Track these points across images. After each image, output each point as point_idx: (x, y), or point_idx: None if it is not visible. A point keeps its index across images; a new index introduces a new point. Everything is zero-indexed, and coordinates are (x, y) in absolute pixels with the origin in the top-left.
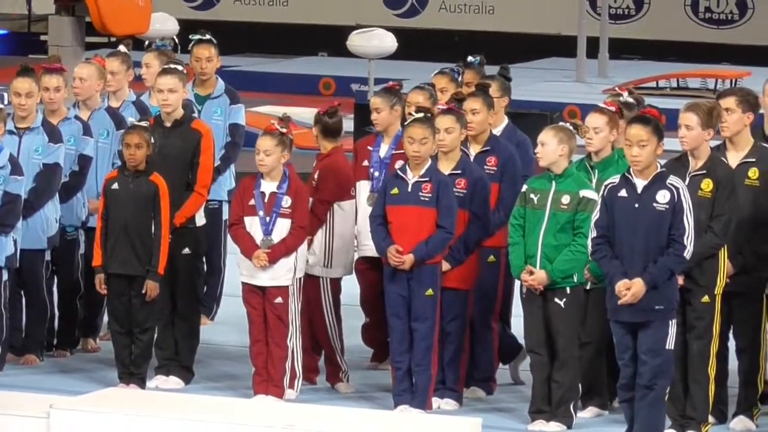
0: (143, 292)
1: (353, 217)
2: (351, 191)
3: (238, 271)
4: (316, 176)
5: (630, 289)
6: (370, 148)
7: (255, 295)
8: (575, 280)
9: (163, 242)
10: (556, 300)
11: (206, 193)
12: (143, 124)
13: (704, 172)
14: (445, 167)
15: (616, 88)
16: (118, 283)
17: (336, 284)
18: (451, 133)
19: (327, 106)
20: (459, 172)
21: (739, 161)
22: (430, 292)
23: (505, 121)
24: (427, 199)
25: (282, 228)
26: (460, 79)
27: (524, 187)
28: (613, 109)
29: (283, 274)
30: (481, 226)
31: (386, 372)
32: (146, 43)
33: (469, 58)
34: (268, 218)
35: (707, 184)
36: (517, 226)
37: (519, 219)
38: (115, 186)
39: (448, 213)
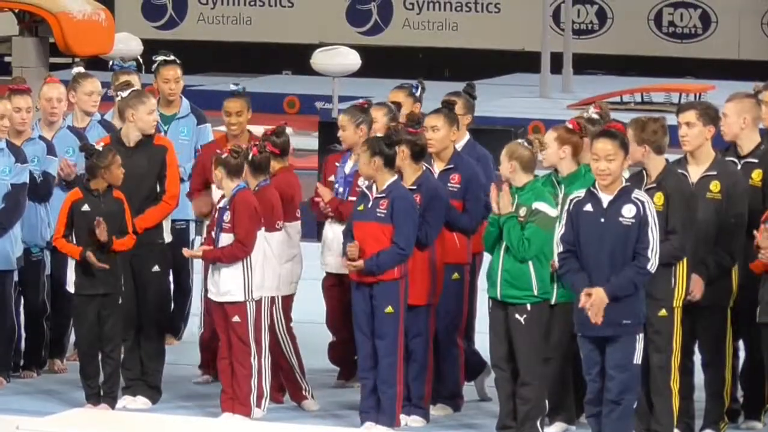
0: (119, 302)
1: (297, 240)
2: (296, 213)
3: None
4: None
5: (591, 294)
6: (337, 164)
7: (217, 312)
8: (536, 294)
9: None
10: (517, 316)
11: (174, 203)
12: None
13: (655, 185)
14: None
15: (591, 107)
16: (89, 303)
17: (287, 301)
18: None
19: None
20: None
21: (700, 175)
22: (389, 309)
23: (467, 136)
24: (383, 215)
25: (227, 242)
26: (417, 94)
27: None
28: (570, 126)
29: (228, 290)
30: (468, 218)
31: (353, 390)
32: (110, 63)
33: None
34: (216, 233)
35: (659, 198)
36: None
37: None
38: (86, 208)
39: (401, 230)
